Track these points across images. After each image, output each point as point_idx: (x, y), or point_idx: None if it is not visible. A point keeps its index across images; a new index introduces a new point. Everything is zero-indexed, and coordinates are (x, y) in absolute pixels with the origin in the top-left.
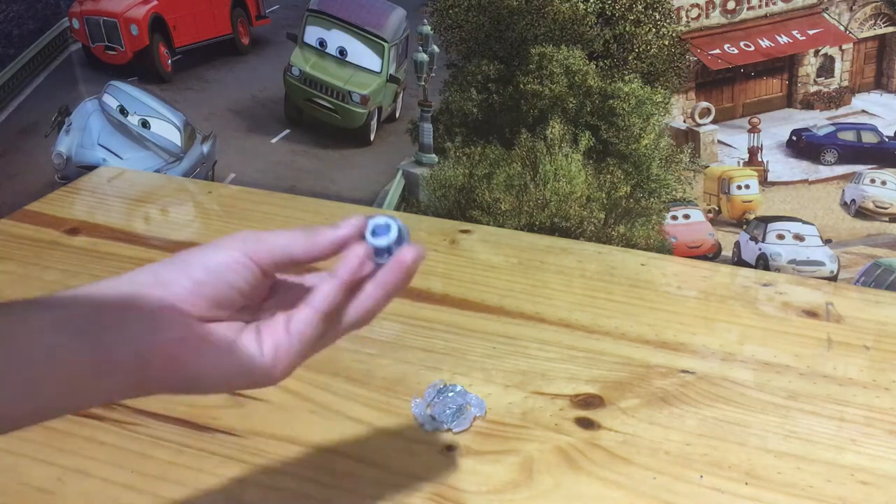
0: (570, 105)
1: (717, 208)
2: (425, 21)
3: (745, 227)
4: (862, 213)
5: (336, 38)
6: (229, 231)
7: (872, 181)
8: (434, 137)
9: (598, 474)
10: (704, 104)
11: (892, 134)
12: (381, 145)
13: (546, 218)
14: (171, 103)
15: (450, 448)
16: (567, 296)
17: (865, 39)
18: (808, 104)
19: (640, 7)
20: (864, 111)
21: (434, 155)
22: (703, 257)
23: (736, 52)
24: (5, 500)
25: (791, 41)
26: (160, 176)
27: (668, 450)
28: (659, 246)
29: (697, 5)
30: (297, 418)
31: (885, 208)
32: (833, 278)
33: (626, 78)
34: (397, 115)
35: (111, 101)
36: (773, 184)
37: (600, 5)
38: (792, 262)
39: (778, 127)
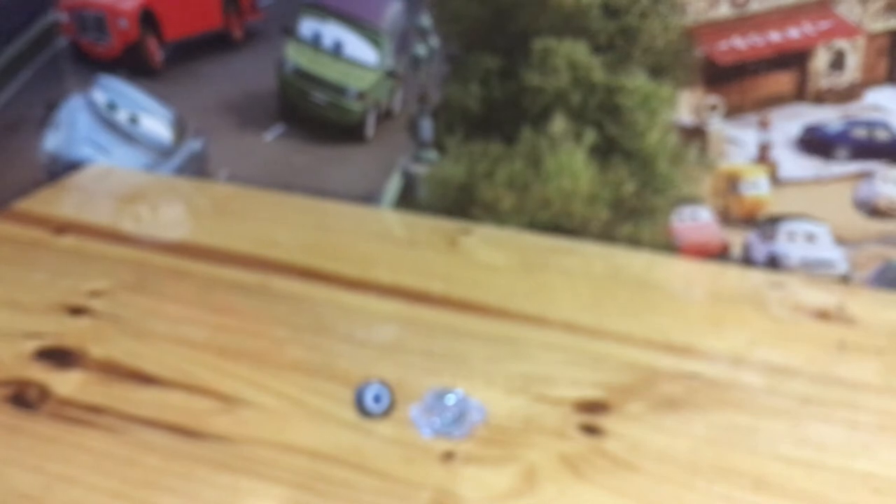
0: (574, 100)
1: (725, 207)
2: (424, 13)
3: (754, 226)
4: (875, 211)
5: (331, 32)
6: (221, 231)
7: (885, 179)
8: (433, 134)
9: (602, 482)
10: (712, 99)
11: None
12: (379, 142)
13: (549, 217)
14: (162, 99)
15: (450, 455)
16: (571, 297)
17: (878, 33)
18: (819, 99)
19: None
20: (876, 107)
21: (433, 152)
22: (712, 258)
23: (745, 46)
24: None
25: (801, 35)
26: (150, 174)
27: (676, 456)
28: (665, 246)
29: None
30: (292, 424)
31: None
32: (845, 279)
33: (632, 72)
34: (396, 110)
35: (100, 97)
36: (784, 182)
37: None
38: (803, 262)
39: (788, 123)
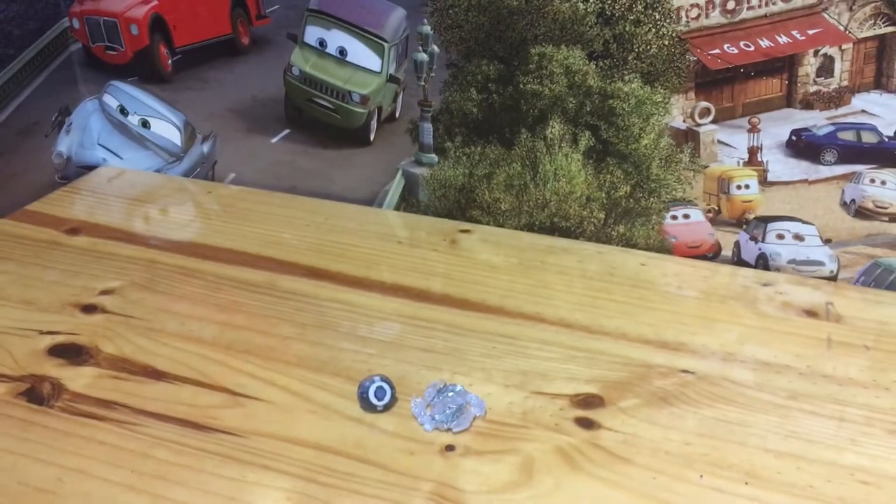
0: (570, 105)
1: (716, 208)
2: (425, 21)
3: (744, 226)
4: (862, 212)
5: (336, 38)
6: (229, 231)
7: (872, 181)
8: (434, 137)
9: (598, 474)
10: (704, 104)
11: (891, 134)
12: (381, 145)
13: (546, 218)
14: (172, 103)
15: (450, 448)
16: (567, 296)
17: (865, 39)
18: (807, 104)
19: (639, 7)
20: (863, 111)
21: (434, 155)
22: (703, 257)
23: (736, 51)
24: (4, 500)
25: (791, 41)
26: (160, 176)
27: (669, 450)
28: (659, 246)
29: (697, 5)
30: (298, 418)
31: (885, 208)
32: (833, 278)
33: (626, 78)
34: (397, 114)
35: (111, 101)
36: (773, 183)
37: (600, 5)
38: (792, 261)
39: (778, 127)
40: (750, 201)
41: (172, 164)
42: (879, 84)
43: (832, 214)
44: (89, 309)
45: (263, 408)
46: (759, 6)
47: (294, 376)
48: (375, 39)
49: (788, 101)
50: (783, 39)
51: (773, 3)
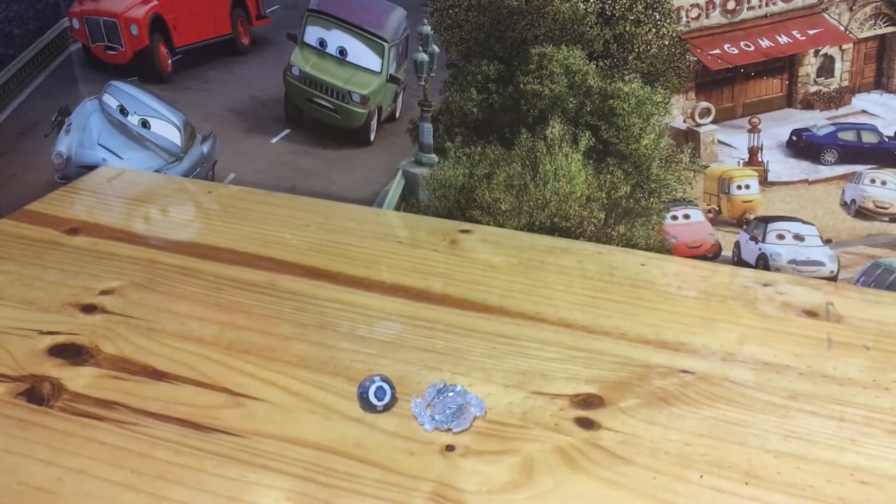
0: (570, 105)
1: (717, 208)
2: (425, 21)
3: (745, 227)
4: (862, 213)
5: (336, 38)
6: (229, 231)
7: (872, 181)
8: (434, 137)
9: (598, 474)
10: (704, 104)
11: (892, 134)
12: (382, 145)
13: (546, 218)
14: (171, 103)
15: (450, 448)
16: (567, 296)
17: (866, 39)
18: (808, 104)
19: (640, 7)
20: (864, 111)
21: (434, 155)
22: (703, 257)
23: (736, 52)
24: (5, 500)
25: (791, 41)
26: (160, 176)
27: (668, 450)
28: (659, 246)
29: (697, 5)
30: (298, 418)
31: (886, 208)
32: (833, 278)
33: (626, 78)
34: (397, 115)
35: (111, 101)
36: (773, 184)
37: (600, 5)
38: (792, 262)
39: (778, 127)
40: (750, 201)
41: (172, 164)
42: (880, 84)
43: (832, 215)
44: (89, 309)
45: (263, 408)
46: (760, 6)
47: (294, 376)
48: (375, 39)
49: (789, 101)
50: (783, 39)
51: (774, 3)
